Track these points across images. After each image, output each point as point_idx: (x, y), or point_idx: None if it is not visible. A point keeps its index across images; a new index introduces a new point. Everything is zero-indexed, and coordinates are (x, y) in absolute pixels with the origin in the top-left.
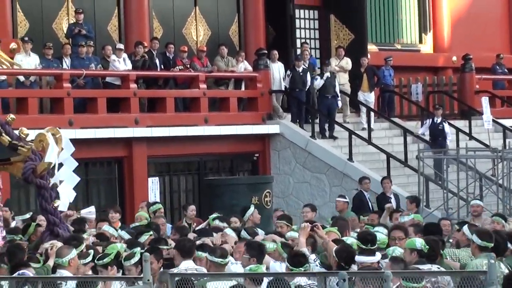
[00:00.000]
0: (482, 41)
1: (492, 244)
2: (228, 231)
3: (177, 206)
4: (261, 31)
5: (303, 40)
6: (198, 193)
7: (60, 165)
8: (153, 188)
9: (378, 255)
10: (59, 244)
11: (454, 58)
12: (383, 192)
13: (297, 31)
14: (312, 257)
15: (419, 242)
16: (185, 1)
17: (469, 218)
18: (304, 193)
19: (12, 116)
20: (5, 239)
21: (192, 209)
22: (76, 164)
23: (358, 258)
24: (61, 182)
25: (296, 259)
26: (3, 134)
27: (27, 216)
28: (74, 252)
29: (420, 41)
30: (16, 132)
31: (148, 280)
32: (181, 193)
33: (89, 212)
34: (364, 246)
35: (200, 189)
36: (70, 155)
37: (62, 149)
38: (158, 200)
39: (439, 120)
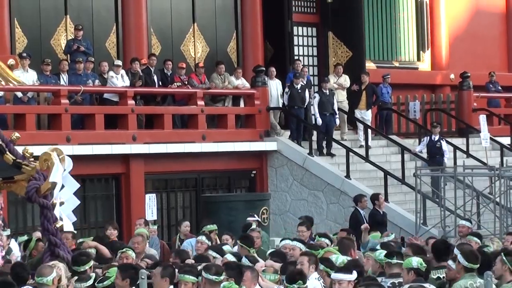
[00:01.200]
0: (480, 59)
1: (478, 265)
2: (229, 256)
3: (174, 223)
4: (259, 48)
5: (300, 57)
6: (195, 209)
7: (62, 186)
8: (150, 204)
9: (355, 274)
10: (61, 264)
11: (452, 76)
12: (375, 208)
13: (295, 48)
14: (314, 275)
15: (415, 261)
16: (183, 18)
17: (456, 238)
18: (301, 210)
19: (17, 134)
20: (4, 259)
21: (186, 225)
22: (78, 186)
23: (335, 275)
24: (61, 204)
25: (292, 276)
26: (7, 152)
27: (8, 232)
28: (55, 273)
29: (418, 59)
30: (20, 150)
31: None
32: (178, 209)
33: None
34: (390, 261)
35: (197, 206)
36: (69, 172)
37: (65, 170)
38: (155, 217)
39: (436, 137)
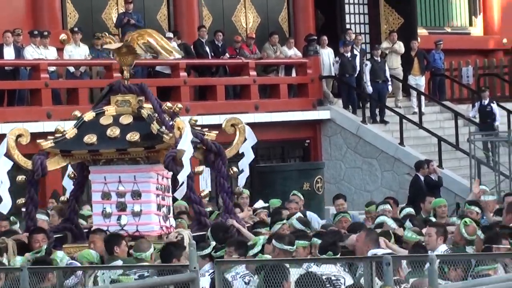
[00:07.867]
0: None
1: None
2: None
3: None
4: (310, 17)
5: (352, 25)
6: (250, 180)
7: (242, 155)
8: (205, 176)
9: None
10: (185, 232)
11: (505, 41)
12: (428, 175)
13: (346, 16)
14: (442, 247)
15: None
16: None
17: None
18: (356, 178)
19: (169, 104)
20: (168, 229)
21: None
22: (253, 157)
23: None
24: (241, 172)
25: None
26: (155, 122)
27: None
28: (152, 249)
29: (470, 24)
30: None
31: (195, 268)
32: (232, 180)
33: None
34: None
35: (251, 176)
36: (251, 147)
37: (245, 139)
38: (210, 188)
39: (486, 101)
